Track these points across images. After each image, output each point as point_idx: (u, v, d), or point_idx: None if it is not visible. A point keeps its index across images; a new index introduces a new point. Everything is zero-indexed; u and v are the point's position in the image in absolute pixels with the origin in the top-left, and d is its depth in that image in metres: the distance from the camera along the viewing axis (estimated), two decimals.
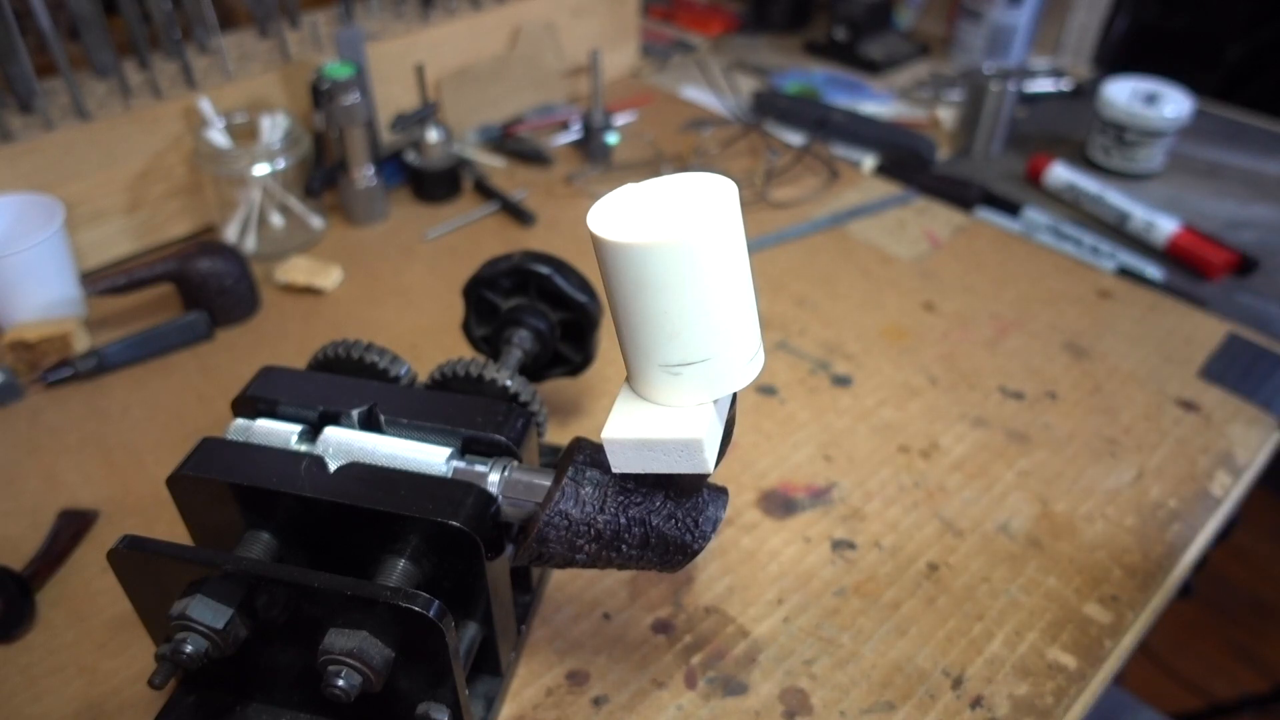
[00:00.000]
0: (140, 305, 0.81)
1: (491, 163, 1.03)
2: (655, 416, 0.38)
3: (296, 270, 0.84)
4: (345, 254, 0.88)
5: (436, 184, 0.96)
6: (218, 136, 0.85)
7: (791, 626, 0.55)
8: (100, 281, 0.76)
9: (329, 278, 0.84)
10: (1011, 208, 0.96)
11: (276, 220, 0.88)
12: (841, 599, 0.57)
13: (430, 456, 0.46)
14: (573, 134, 1.07)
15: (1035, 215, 0.94)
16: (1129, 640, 0.55)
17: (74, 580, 0.58)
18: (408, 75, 0.98)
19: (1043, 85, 1.22)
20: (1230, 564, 1.65)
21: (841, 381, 0.73)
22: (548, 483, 0.45)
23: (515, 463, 0.46)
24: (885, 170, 1.04)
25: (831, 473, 0.65)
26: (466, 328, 0.62)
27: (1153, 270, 0.87)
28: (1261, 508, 1.71)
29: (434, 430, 0.47)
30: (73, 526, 0.61)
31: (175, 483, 0.45)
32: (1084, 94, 1.21)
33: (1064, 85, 1.22)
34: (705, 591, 0.57)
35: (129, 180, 0.85)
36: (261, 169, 0.84)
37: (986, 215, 0.96)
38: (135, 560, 0.43)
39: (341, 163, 0.90)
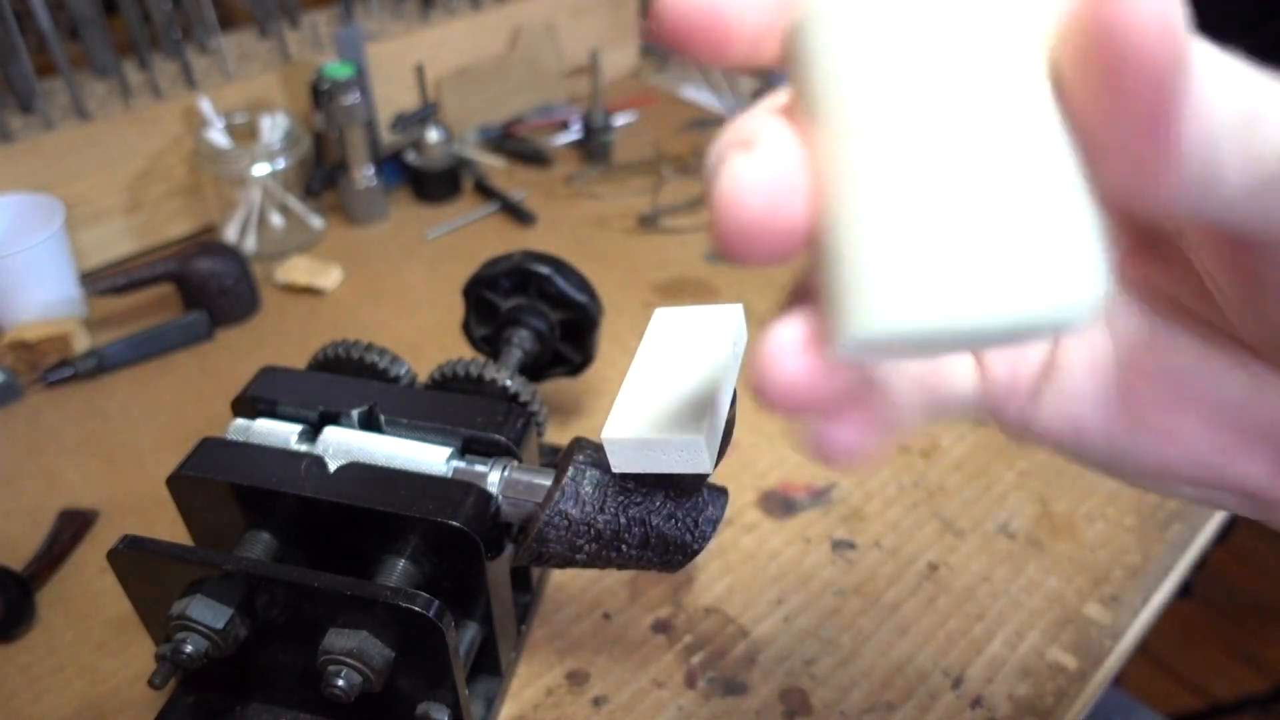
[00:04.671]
0: (140, 305, 0.81)
1: (491, 163, 1.03)
2: (655, 416, 0.38)
3: (296, 270, 0.84)
4: (345, 254, 0.88)
5: (436, 184, 0.96)
6: (218, 136, 0.85)
7: (791, 626, 0.55)
8: (100, 281, 0.76)
9: (329, 278, 0.84)
10: None
11: (276, 220, 0.88)
12: (841, 599, 0.57)
13: (430, 456, 0.46)
14: (573, 134, 1.07)
15: None
16: (1129, 640, 0.55)
17: (74, 580, 0.58)
18: (408, 75, 0.98)
19: None
20: (1230, 564, 1.65)
21: None
22: (548, 482, 0.45)
23: (515, 463, 0.46)
24: None
25: (831, 473, 0.65)
26: (466, 328, 0.62)
27: None
28: None
29: (434, 430, 0.47)
30: (73, 526, 0.61)
31: (175, 483, 0.45)
32: None
33: None
34: (705, 591, 0.57)
35: (129, 180, 0.85)
36: (261, 169, 0.84)
37: None
38: (135, 560, 0.43)
39: (341, 163, 0.90)
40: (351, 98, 0.85)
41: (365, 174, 0.91)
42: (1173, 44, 0.14)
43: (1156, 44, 0.14)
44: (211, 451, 0.46)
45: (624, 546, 0.42)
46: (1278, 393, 0.21)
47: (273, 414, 0.49)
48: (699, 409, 0.38)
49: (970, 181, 0.16)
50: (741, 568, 0.59)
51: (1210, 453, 0.21)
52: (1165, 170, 0.15)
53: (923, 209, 0.16)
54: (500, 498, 0.45)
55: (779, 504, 0.63)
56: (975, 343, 0.18)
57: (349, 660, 0.40)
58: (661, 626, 0.55)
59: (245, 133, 0.87)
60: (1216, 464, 0.22)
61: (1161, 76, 0.14)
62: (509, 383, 0.51)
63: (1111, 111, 0.15)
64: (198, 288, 0.77)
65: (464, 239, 0.91)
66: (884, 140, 0.17)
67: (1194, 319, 0.22)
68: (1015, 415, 0.25)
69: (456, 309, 0.81)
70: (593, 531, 0.41)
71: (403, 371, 0.53)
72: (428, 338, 0.78)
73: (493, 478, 0.45)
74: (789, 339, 0.18)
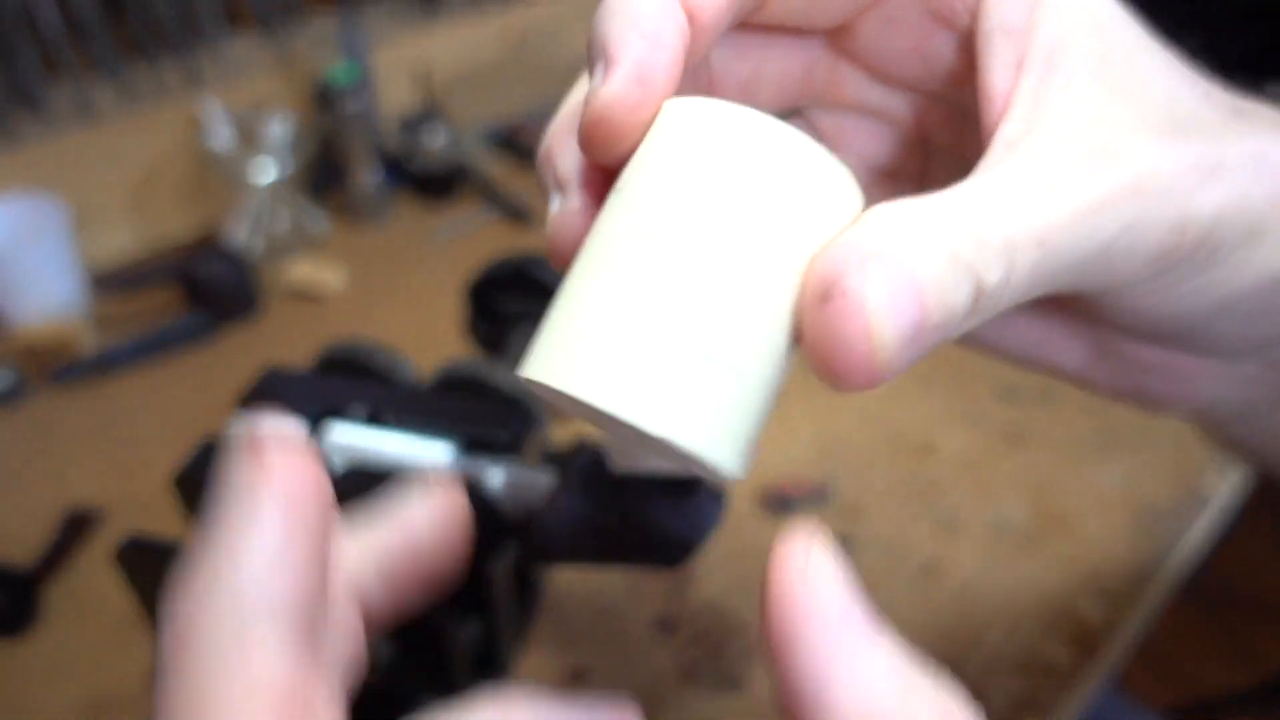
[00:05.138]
0: (144, 306, 0.82)
1: (495, 165, 1.04)
2: None
3: (300, 271, 0.84)
4: (348, 255, 0.89)
5: (440, 186, 0.96)
6: (222, 138, 0.85)
7: None
8: (105, 282, 0.76)
9: (333, 278, 0.84)
10: None
11: (281, 221, 0.88)
12: None
13: (432, 455, 0.46)
14: None
15: None
16: (1124, 636, 0.56)
17: (79, 578, 0.58)
18: (413, 77, 0.99)
19: None
20: (1230, 564, 1.65)
21: None
22: (549, 482, 0.45)
23: (517, 462, 0.47)
24: None
25: (829, 471, 0.66)
26: (469, 328, 0.63)
27: None
28: (1261, 508, 1.71)
29: (436, 429, 0.48)
30: (78, 525, 0.61)
31: (179, 481, 0.46)
32: None
33: None
34: (704, 589, 0.58)
35: (134, 181, 0.85)
36: (266, 170, 0.85)
37: None
38: (139, 558, 0.43)
39: (346, 164, 0.90)
40: (356, 100, 0.86)
41: (369, 175, 0.91)
42: (879, 369, 0.18)
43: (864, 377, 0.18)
44: (214, 451, 0.47)
45: (624, 545, 0.42)
46: (1089, 314, 0.25)
47: None
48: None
49: (679, 314, 0.18)
50: (740, 565, 0.59)
51: (1035, 342, 0.27)
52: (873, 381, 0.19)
53: (635, 317, 0.18)
54: (501, 497, 0.45)
55: (777, 502, 0.64)
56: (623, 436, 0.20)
57: None
58: (661, 624, 0.56)
59: (250, 134, 0.88)
60: (1039, 349, 0.27)
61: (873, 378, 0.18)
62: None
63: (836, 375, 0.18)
64: (202, 288, 0.78)
65: (467, 240, 0.92)
66: (642, 244, 0.19)
67: None
68: None
69: (459, 309, 0.81)
70: (594, 530, 0.42)
71: (406, 371, 0.53)
72: (431, 338, 0.78)
73: (494, 477, 0.46)
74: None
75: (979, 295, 0.18)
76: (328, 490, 0.19)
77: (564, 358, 0.18)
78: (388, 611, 0.23)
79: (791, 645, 0.17)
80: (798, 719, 0.17)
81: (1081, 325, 0.26)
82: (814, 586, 0.17)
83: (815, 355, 0.18)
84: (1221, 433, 0.29)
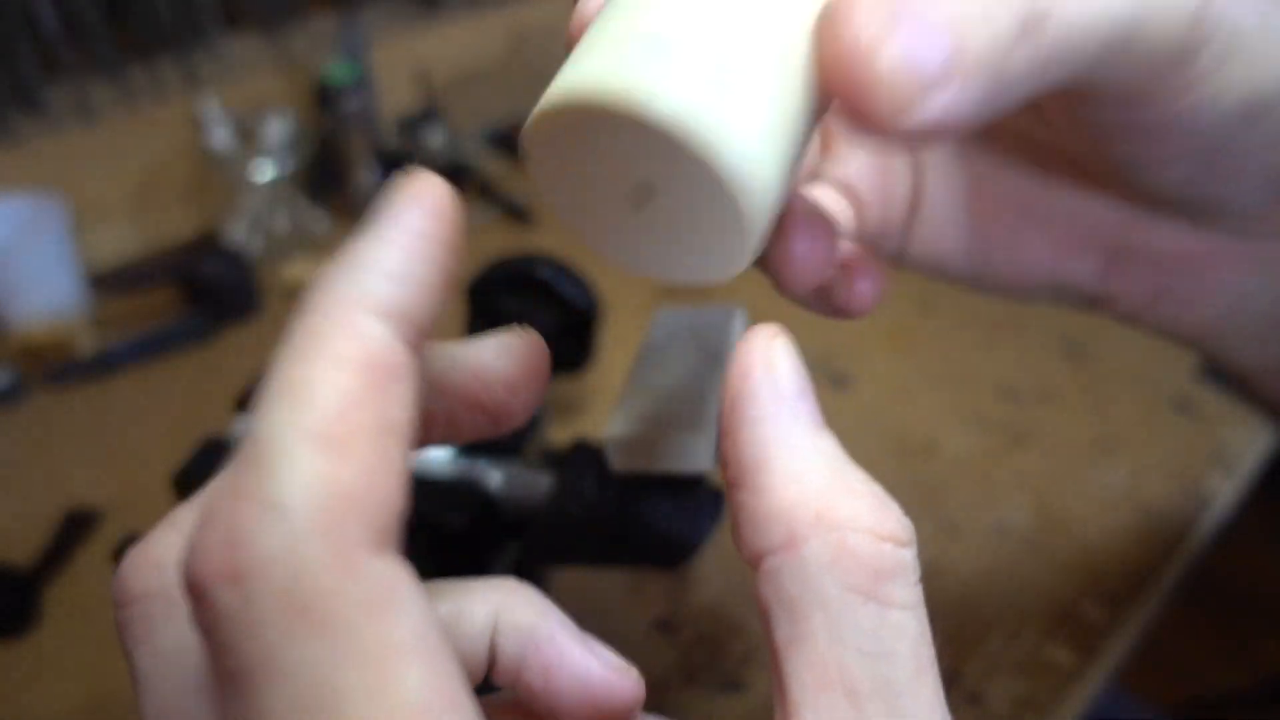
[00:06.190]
0: (144, 306, 0.82)
1: (495, 165, 1.04)
2: (656, 416, 0.38)
3: (300, 271, 0.84)
4: None
5: None
6: (222, 138, 0.85)
7: None
8: (104, 282, 0.76)
9: None
10: None
11: (280, 221, 0.88)
12: None
13: (431, 455, 0.46)
14: None
15: None
16: (1126, 638, 0.56)
17: (78, 579, 0.58)
18: (412, 77, 0.99)
19: None
20: (1230, 564, 1.65)
21: (840, 382, 0.74)
22: (549, 482, 0.45)
23: (516, 463, 0.47)
24: None
25: None
26: (469, 329, 0.63)
27: None
28: (1261, 508, 1.71)
29: None
30: (77, 525, 0.61)
31: (179, 482, 0.46)
32: None
33: None
34: (705, 590, 0.58)
35: (133, 181, 0.85)
36: (265, 170, 0.84)
37: None
38: None
39: (345, 164, 0.90)
40: (356, 99, 0.86)
41: (369, 175, 0.91)
42: (921, 105, 0.16)
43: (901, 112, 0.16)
44: (214, 452, 0.47)
45: (624, 546, 0.42)
46: (1100, 206, 0.26)
47: None
48: (700, 408, 0.38)
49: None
50: (740, 566, 0.59)
51: (1050, 260, 0.27)
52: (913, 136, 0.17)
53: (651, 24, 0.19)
54: (501, 497, 0.45)
55: None
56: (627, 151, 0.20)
57: None
58: (661, 625, 0.56)
59: (249, 134, 0.88)
60: (1056, 269, 0.27)
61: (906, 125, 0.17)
62: None
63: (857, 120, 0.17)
64: (201, 288, 0.78)
65: (467, 241, 0.91)
66: None
67: (1028, 151, 0.26)
68: (892, 249, 0.29)
69: (460, 310, 0.81)
70: (594, 530, 0.42)
71: None
72: (430, 337, 0.78)
73: (494, 477, 0.46)
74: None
75: (1027, 15, 0.17)
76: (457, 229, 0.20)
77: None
78: (441, 419, 0.22)
79: (744, 415, 0.19)
80: (735, 487, 0.20)
81: (1097, 221, 0.26)
82: (773, 370, 0.19)
83: (833, 82, 0.17)
84: (1237, 357, 0.28)
